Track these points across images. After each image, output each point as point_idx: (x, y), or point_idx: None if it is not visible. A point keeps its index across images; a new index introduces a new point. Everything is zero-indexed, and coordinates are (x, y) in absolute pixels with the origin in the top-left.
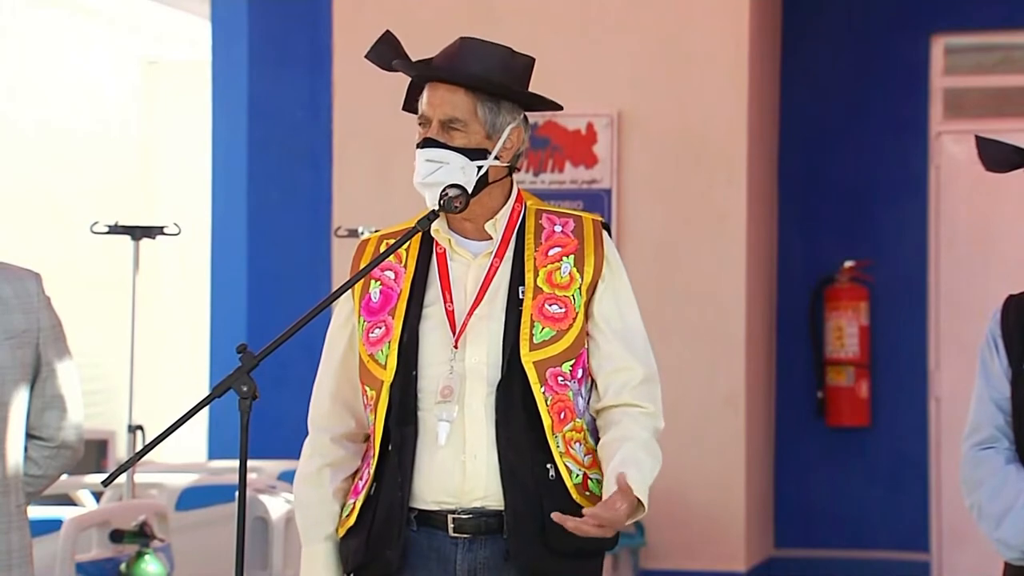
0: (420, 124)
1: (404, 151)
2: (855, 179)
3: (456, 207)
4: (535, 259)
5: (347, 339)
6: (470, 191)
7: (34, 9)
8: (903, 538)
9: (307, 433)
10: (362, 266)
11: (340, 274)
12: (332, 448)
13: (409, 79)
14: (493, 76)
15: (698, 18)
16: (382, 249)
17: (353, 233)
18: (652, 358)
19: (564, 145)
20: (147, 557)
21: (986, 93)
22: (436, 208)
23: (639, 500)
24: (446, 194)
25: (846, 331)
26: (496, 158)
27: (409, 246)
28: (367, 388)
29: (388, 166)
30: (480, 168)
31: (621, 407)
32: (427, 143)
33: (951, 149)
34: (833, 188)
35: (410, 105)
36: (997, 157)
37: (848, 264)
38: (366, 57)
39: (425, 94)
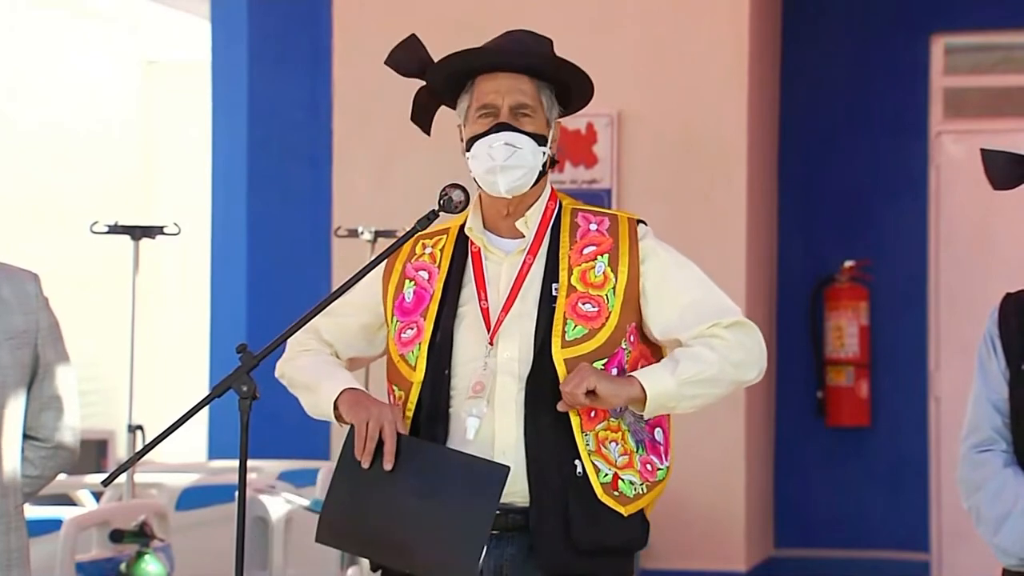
0: (483, 115)
1: (404, 151)
2: (855, 179)
3: (457, 208)
4: (569, 257)
5: (360, 308)
6: (535, 178)
7: (34, 9)
8: (903, 538)
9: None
10: (397, 264)
11: (340, 274)
12: (321, 346)
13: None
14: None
15: (698, 18)
16: (417, 250)
17: (353, 233)
18: (731, 304)
19: (564, 145)
20: (147, 557)
21: (986, 93)
22: (436, 208)
23: (641, 385)
24: (447, 194)
25: (846, 331)
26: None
27: (444, 246)
28: (395, 388)
29: (388, 166)
30: (544, 154)
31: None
32: (503, 127)
33: (951, 149)
34: (833, 188)
35: (419, 116)
36: (1003, 171)
37: (848, 264)
38: (386, 63)
39: (484, 84)
